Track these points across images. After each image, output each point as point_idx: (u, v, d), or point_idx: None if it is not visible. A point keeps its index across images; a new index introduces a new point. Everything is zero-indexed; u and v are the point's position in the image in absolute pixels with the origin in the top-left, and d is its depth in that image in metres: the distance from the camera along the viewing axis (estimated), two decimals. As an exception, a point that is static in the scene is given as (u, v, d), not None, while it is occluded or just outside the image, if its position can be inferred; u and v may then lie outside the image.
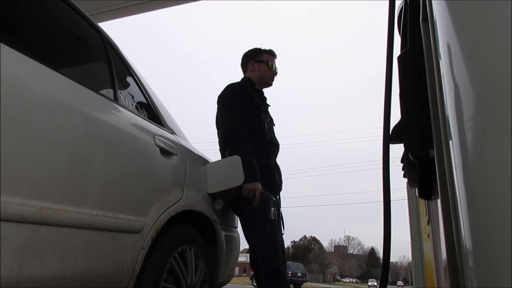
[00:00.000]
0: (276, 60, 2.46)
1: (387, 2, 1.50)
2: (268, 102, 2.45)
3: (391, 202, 1.39)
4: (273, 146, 2.29)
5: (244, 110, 2.17)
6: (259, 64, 2.39)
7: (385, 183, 1.40)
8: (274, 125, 2.45)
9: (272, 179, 2.19)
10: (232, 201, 2.07)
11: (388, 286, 1.47)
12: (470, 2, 0.65)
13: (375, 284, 56.27)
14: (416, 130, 1.36)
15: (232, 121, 2.14)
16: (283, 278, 1.89)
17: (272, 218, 1.91)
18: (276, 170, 2.26)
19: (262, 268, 1.99)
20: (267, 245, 1.96)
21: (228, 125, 2.15)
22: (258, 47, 2.48)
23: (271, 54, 2.44)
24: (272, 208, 1.93)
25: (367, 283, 59.46)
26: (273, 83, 2.45)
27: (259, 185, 2.00)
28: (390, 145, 1.78)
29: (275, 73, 2.42)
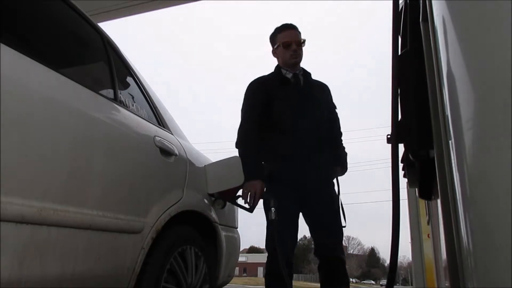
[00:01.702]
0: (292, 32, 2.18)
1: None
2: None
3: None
4: (291, 134, 2.05)
5: (251, 109, 2.11)
6: (277, 49, 2.21)
7: (395, 183, 1.40)
8: (319, 102, 2.16)
9: (281, 171, 2.02)
10: (232, 202, 2.06)
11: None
12: (470, 2, 0.65)
13: (372, 282, 56.22)
14: (416, 130, 1.36)
15: (240, 124, 2.12)
16: (284, 282, 1.79)
17: (272, 218, 1.84)
18: (294, 160, 2.02)
19: (266, 268, 1.99)
20: (268, 247, 1.95)
21: (238, 128, 2.13)
22: (274, 29, 2.25)
23: (282, 30, 2.20)
24: (272, 208, 1.85)
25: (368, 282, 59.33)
26: (303, 55, 2.19)
27: (257, 184, 1.92)
28: (390, 145, 1.77)
29: (294, 49, 2.15)
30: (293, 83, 2.18)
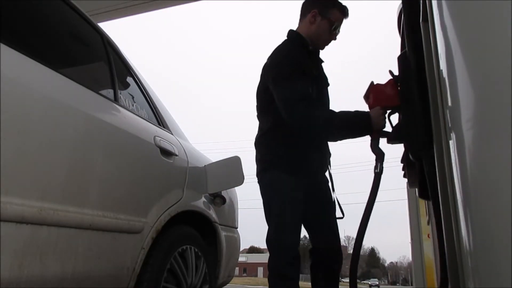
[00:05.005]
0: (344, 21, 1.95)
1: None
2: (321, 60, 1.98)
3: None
4: None
5: (299, 80, 1.77)
6: (321, 21, 1.89)
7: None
8: (328, 85, 1.96)
9: (307, 158, 1.81)
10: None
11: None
12: (470, 2, 0.65)
13: (377, 283, 56.22)
14: (416, 130, 1.37)
15: (286, 98, 1.74)
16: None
17: (377, 170, 1.77)
18: (317, 149, 1.85)
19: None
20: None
21: (287, 105, 1.72)
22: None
23: (343, 13, 1.93)
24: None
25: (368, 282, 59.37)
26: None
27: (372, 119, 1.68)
28: (391, 145, 1.77)
29: (334, 39, 1.95)
30: (313, 60, 1.94)
